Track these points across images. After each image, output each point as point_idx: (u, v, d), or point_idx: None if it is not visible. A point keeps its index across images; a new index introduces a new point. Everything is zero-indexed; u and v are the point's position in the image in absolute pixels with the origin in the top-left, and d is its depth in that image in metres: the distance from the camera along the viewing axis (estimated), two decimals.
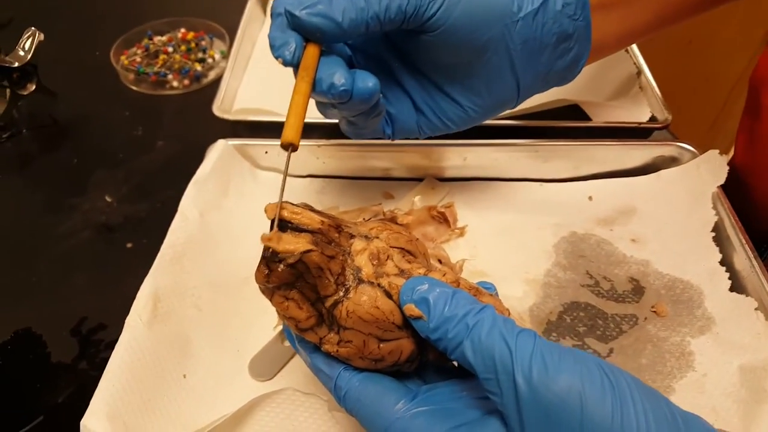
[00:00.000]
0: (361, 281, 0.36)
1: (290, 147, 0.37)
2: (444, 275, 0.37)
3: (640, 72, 0.70)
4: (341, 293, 0.35)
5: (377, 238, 0.39)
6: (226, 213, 0.57)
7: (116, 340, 0.45)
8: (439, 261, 0.52)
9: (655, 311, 0.51)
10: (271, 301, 0.36)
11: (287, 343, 0.49)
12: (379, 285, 0.36)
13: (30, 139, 0.73)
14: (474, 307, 0.32)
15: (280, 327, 0.50)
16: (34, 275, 0.58)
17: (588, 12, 0.46)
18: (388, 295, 0.35)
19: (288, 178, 0.63)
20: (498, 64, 0.45)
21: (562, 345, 0.31)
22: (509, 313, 0.36)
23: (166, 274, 0.49)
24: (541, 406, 0.28)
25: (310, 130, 0.62)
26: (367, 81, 0.40)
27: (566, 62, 0.47)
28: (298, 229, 0.35)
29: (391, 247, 0.38)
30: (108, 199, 0.65)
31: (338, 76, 0.39)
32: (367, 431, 0.34)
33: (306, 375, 0.48)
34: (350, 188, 0.63)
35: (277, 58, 0.40)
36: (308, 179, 0.63)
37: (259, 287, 0.36)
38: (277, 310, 0.37)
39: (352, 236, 0.38)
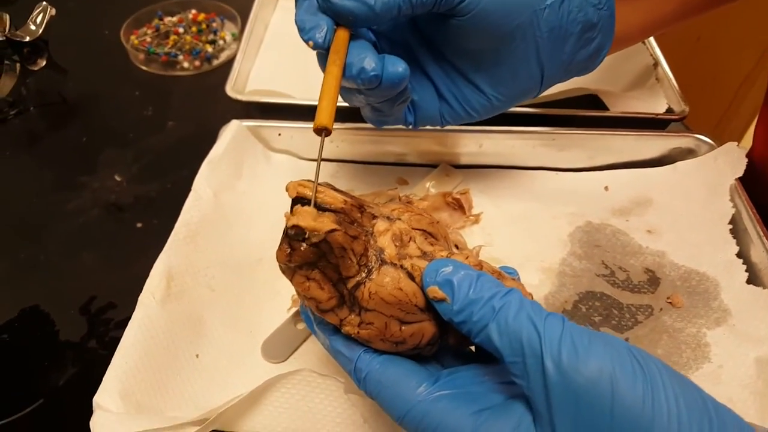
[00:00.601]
0: (383, 262, 0.35)
1: (324, 131, 0.36)
2: (467, 258, 0.36)
3: (657, 64, 0.69)
4: (363, 274, 0.35)
5: (399, 219, 0.38)
6: (239, 194, 0.56)
7: (126, 320, 0.45)
8: (456, 246, 0.51)
9: (670, 302, 0.51)
10: (291, 281, 0.36)
11: (300, 326, 0.49)
12: (401, 267, 0.35)
13: (38, 116, 0.72)
14: (500, 290, 0.32)
15: (294, 309, 0.50)
16: (42, 252, 0.58)
17: (612, 2, 0.46)
18: (411, 277, 0.35)
19: (300, 161, 0.63)
20: (524, 52, 0.45)
21: (591, 329, 0.30)
22: (532, 298, 0.35)
23: (180, 252, 0.49)
24: (570, 389, 0.28)
25: None
26: (398, 66, 0.40)
27: (589, 52, 0.47)
28: (321, 208, 0.35)
29: (413, 228, 0.38)
30: (118, 178, 0.64)
31: (368, 60, 0.39)
32: (388, 414, 0.34)
33: (319, 358, 0.47)
34: (364, 173, 0.62)
35: (307, 41, 0.39)
36: (321, 162, 0.62)
37: (280, 266, 0.36)
38: (297, 291, 0.36)
39: (374, 217, 0.37)
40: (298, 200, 0.35)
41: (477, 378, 0.34)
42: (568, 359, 0.28)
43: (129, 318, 0.45)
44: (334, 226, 0.33)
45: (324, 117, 0.36)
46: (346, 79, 0.39)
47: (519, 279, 0.38)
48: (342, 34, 0.39)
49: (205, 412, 0.39)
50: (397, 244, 0.36)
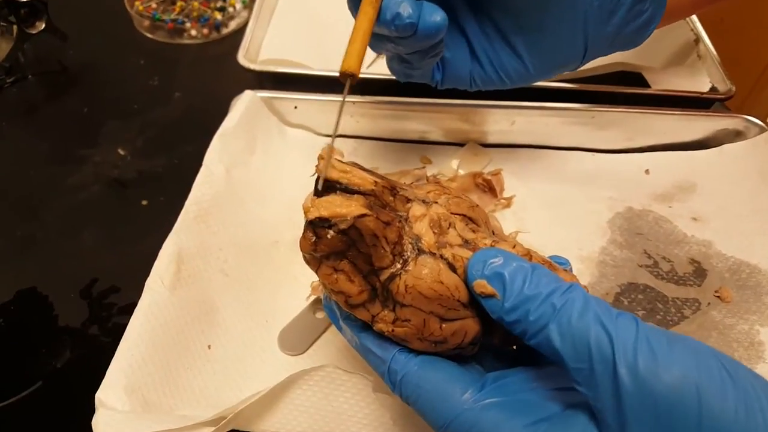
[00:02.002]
0: (421, 252, 0.31)
1: (350, 77, 0.31)
2: (514, 247, 0.32)
3: (698, 40, 0.65)
4: (398, 265, 0.31)
5: (436, 203, 0.34)
6: (253, 171, 0.52)
7: (130, 305, 0.42)
8: (493, 233, 0.47)
9: (718, 296, 0.47)
10: (317, 272, 0.32)
11: (320, 315, 0.45)
12: (441, 256, 0.31)
13: (36, 84, 0.68)
14: (560, 286, 0.28)
15: (313, 297, 0.46)
16: (40, 230, 0.54)
17: None
18: (452, 269, 0.31)
19: (317, 137, 0.59)
20: (571, 19, 0.42)
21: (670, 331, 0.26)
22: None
23: (191, 233, 0.45)
24: (647, 399, 0.24)
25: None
26: (435, 15, 0.36)
27: (637, 25, 0.44)
28: (349, 191, 0.30)
29: (452, 213, 0.34)
30: (121, 152, 0.60)
31: (405, 5, 0.35)
32: (427, 421, 0.30)
33: (340, 351, 0.44)
34: (385, 151, 0.58)
35: None
36: (339, 139, 0.58)
37: (304, 256, 0.32)
38: (323, 284, 0.32)
39: (408, 200, 0.33)
40: (326, 183, 0.31)
41: (527, 384, 0.30)
42: (646, 365, 0.25)
43: (133, 303, 0.42)
44: (365, 210, 0.29)
45: (352, 60, 0.31)
46: (379, 24, 0.36)
47: (571, 270, 0.34)
48: None
49: (221, 411, 0.35)
50: (436, 230, 0.32)
